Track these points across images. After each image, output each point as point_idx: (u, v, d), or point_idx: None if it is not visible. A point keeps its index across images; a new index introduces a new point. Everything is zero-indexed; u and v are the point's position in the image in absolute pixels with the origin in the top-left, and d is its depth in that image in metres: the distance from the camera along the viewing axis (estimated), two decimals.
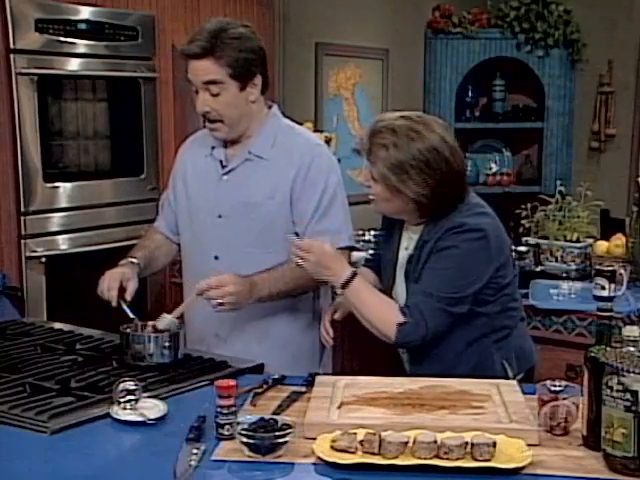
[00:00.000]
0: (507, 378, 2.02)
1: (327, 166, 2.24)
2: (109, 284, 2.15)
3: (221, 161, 2.26)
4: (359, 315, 2.01)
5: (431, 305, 1.94)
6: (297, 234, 2.20)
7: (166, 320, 2.07)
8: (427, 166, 1.93)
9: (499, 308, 2.06)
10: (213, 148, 2.27)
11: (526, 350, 2.18)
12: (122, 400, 1.72)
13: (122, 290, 2.15)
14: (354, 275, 1.98)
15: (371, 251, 2.41)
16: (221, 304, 2.06)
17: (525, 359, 2.16)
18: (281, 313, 2.24)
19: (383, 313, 1.98)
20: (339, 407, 1.73)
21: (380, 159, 1.95)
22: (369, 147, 1.99)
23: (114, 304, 2.14)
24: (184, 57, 2.14)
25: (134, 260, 2.26)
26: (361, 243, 3.42)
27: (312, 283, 2.18)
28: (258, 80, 2.17)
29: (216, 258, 2.22)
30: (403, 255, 2.11)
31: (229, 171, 2.24)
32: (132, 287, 2.17)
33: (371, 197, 2.05)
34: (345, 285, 1.98)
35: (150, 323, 2.09)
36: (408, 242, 2.11)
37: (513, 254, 2.35)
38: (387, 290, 2.14)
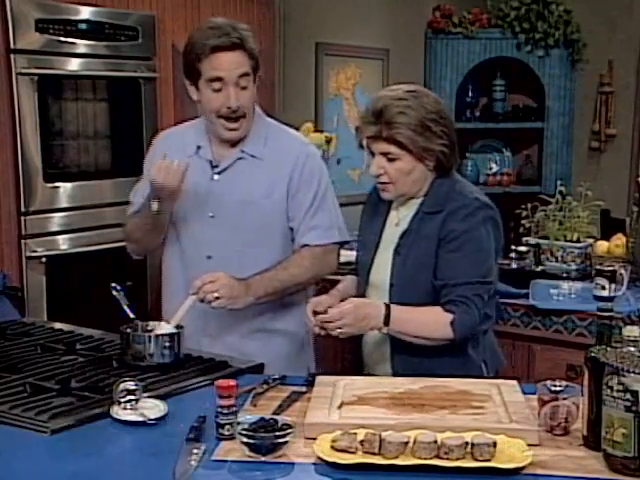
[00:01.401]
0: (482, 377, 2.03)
1: (319, 165, 2.31)
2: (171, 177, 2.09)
3: (211, 161, 2.24)
4: (411, 338, 1.98)
5: (472, 292, 1.96)
6: (291, 229, 2.24)
7: (166, 331, 2.05)
8: (440, 117, 2.01)
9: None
10: (199, 148, 2.26)
11: (497, 350, 2.19)
12: (122, 400, 1.72)
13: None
14: (388, 307, 1.96)
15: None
16: (218, 298, 2.06)
17: (497, 359, 2.18)
18: (272, 310, 2.25)
19: (432, 323, 1.97)
20: (339, 407, 1.73)
21: (403, 125, 1.96)
22: (384, 122, 1.97)
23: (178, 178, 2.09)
24: (208, 52, 2.09)
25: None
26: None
27: (309, 280, 2.21)
28: (259, 72, 2.20)
29: (209, 258, 2.22)
30: (392, 231, 2.09)
31: (221, 171, 2.23)
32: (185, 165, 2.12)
33: (386, 184, 2.03)
34: (387, 321, 1.95)
35: (151, 325, 2.08)
36: (399, 219, 2.09)
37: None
38: (363, 269, 2.13)
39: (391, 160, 2.00)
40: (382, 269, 2.09)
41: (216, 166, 2.24)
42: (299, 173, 2.21)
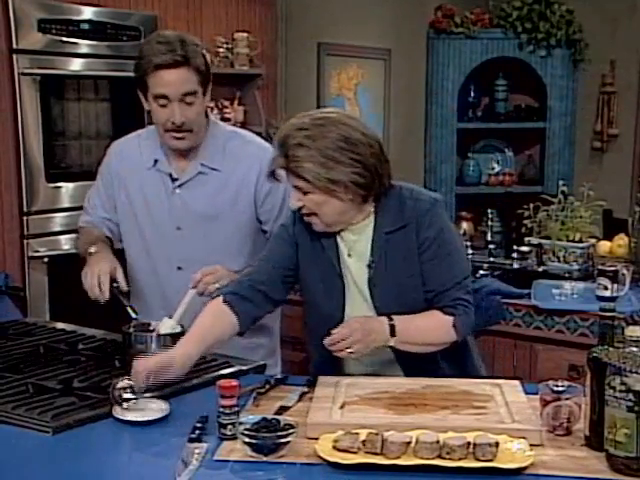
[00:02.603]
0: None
1: None
2: (101, 280, 2.07)
3: (170, 174, 2.23)
4: (417, 348, 1.91)
5: (463, 291, 1.92)
6: (265, 231, 2.27)
7: (169, 325, 2.04)
8: (347, 142, 1.83)
9: None
10: (156, 161, 2.24)
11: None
12: (120, 398, 1.71)
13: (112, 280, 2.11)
14: (390, 319, 1.87)
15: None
16: (219, 289, 2.05)
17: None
18: None
19: (435, 328, 1.91)
20: (341, 407, 1.73)
21: (303, 159, 1.82)
22: (284, 157, 1.85)
23: (105, 299, 2.07)
24: (152, 69, 2.07)
25: (101, 245, 2.20)
26: None
27: None
28: (210, 85, 2.18)
29: (179, 269, 2.23)
30: (351, 263, 1.94)
31: (181, 184, 2.22)
32: (122, 273, 2.12)
33: (310, 215, 1.90)
34: (393, 333, 1.86)
35: (153, 325, 2.09)
36: (349, 248, 1.94)
37: None
38: (334, 313, 1.93)
39: (305, 193, 1.87)
40: (358, 304, 1.95)
41: (176, 179, 2.23)
42: (264, 179, 2.17)
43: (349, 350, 1.82)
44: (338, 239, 1.96)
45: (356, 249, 1.94)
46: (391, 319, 1.88)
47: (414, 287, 1.92)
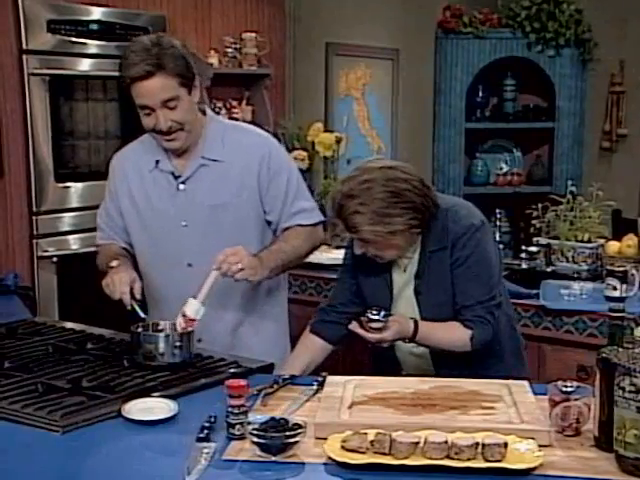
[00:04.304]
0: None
1: (284, 153, 2.37)
2: (121, 289, 2.12)
3: (172, 172, 2.24)
4: (436, 349, 2.13)
5: (484, 309, 2.08)
6: (269, 222, 2.28)
7: (194, 306, 2.05)
8: (394, 195, 2.00)
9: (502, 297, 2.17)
10: (158, 162, 2.25)
11: (517, 330, 2.34)
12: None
13: (131, 291, 2.15)
14: (416, 326, 2.06)
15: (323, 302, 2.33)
16: (242, 269, 2.07)
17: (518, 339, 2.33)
18: (252, 310, 2.31)
19: (454, 339, 2.09)
20: (350, 407, 1.73)
21: (361, 224, 2.00)
22: (345, 226, 2.05)
23: (129, 307, 2.13)
24: (129, 82, 2.07)
25: (123, 259, 2.25)
26: None
27: (306, 252, 2.29)
28: (197, 81, 2.17)
29: (189, 265, 2.23)
30: (402, 276, 2.14)
31: (185, 180, 2.23)
32: (139, 286, 2.16)
33: (377, 258, 2.08)
34: (413, 339, 2.07)
35: (162, 324, 2.09)
36: (405, 264, 2.13)
37: None
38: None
39: (367, 242, 2.05)
40: (406, 309, 2.13)
41: (179, 176, 2.24)
42: (267, 168, 2.23)
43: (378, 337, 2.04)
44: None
45: (409, 266, 2.13)
46: (416, 328, 2.06)
47: (450, 299, 2.09)
